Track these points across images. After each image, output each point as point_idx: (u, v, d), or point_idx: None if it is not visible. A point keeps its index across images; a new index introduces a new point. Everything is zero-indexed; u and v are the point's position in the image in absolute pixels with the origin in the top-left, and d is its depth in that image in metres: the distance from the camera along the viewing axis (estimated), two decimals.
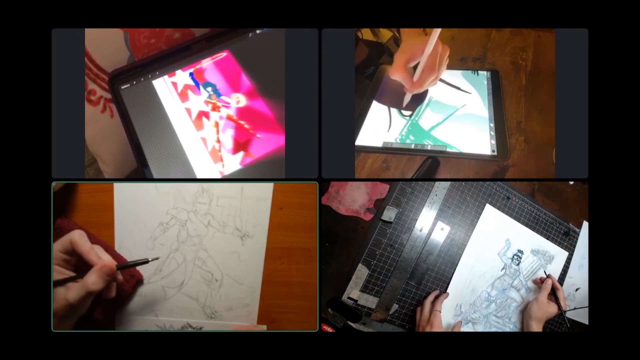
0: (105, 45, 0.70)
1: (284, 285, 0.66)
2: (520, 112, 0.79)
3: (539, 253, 0.79)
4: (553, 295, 0.74)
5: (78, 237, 0.57)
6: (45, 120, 0.64)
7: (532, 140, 0.74)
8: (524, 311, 0.76)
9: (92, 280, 0.55)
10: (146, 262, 0.61)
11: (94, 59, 0.70)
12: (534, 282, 0.78)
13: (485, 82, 0.85)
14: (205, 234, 0.64)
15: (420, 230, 0.74)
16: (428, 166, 0.71)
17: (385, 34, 0.97)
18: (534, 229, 0.80)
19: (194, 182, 0.65)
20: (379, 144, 0.76)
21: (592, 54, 0.66)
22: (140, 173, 0.68)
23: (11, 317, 0.63)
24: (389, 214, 0.72)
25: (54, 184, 0.63)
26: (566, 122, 0.67)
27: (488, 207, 0.76)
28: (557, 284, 0.75)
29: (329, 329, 0.68)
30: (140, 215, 0.64)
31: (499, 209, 0.77)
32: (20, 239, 0.64)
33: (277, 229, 0.66)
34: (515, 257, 0.78)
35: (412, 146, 0.75)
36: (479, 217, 0.76)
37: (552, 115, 0.67)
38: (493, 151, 0.73)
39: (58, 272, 0.57)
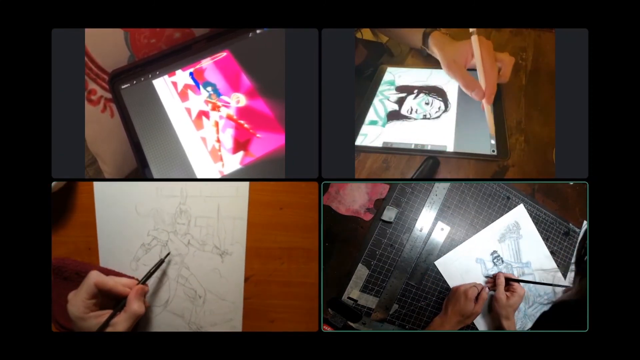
0: (106, 45, 0.70)
1: (284, 285, 0.66)
2: (520, 112, 0.79)
3: (506, 235, 0.79)
4: (509, 284, 0.73)
5: (98, 277, 0.58)
6: (45, 120, 0.64)
7: (532, 140, 0.74)
8: (491, 313, 0.74)
9: (137, 306, 0.58)
10: (162, 262, 0.64)
11: (94, 59, 0.70)
12: (490, 288, 0.74)
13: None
14: (186, 252, 0.65)
15: (420, 230, 0.74)
16: (428, 166, 0.71)
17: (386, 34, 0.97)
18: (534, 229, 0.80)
19: (195, 182, 0.65)
20: (379, 144, 0.76)
21: (592, 54, 0.66)
22: (140, 173, 0.68)
23: (11, 317, 0.63)
24: (389, 214, 0.72)
25: (53, 183, 0.63)
26: (566, 122, 0.67)
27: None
28: (507, 274, 0.74)
29: (329, 329, 0.68)
30: (122, 237, 0.65)
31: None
32: (20, 239, 0.63)
33: (277, 228, 0.66)
34: (495, 259, 0.77)
35: (412, 146, 0.75)
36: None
37: (552, 115, 0.67)
38: (493, 151, 0.73)
39: (94, 317, 0.57)
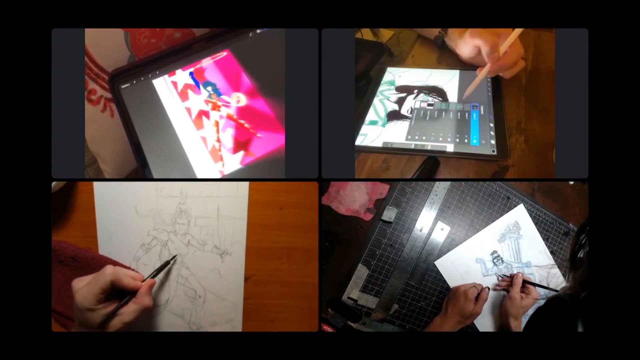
0: (106, 44, 0.70)
1: (284, 285, 0.66)
2: (520, 112, 0.79)
3: (506, 235, 0.79)
4: (526, 286, 0.73)
5: (114, 275, 0.58)
6: (45, 120, 0.64)
7: (532, 140, 0.74)
8: (500, 309, 0.75)
9: (148, 300, 0.59)
10: (168, 263, 0.64)
11: (95, 59, 0.70)
12: (499, 285, 0.76)
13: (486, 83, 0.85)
14: (186, 252, 0.66)
15: (420, 230, 0.74)
16: (428, 166, 0.71)
17: (386, 33, 0.97)
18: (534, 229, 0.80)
19: (194, 182, 0.65)
20: (379, 144, 0.76)
21: (592, 54, 0.66)
22: (140, 173, 0.68)
23: (11, 317, 0.63)
24: (389, 214, 0.72)
25: (53, 183, 0.63)
26: (566, 122, 0.67)
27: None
28: (526, 277, 0.74)
29: (329, 329, 0.68)
30: (122, 237, 0.65)
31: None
32: (20, 239, 0.63)
33: (277, 228, 0.66)
34: (495, 259, 0.77)
35: (412, 146, 0.75)
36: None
37: (552, 115, 0.67)
38: (493, 151, 0.73)
39: (102, 307, 0.57)
